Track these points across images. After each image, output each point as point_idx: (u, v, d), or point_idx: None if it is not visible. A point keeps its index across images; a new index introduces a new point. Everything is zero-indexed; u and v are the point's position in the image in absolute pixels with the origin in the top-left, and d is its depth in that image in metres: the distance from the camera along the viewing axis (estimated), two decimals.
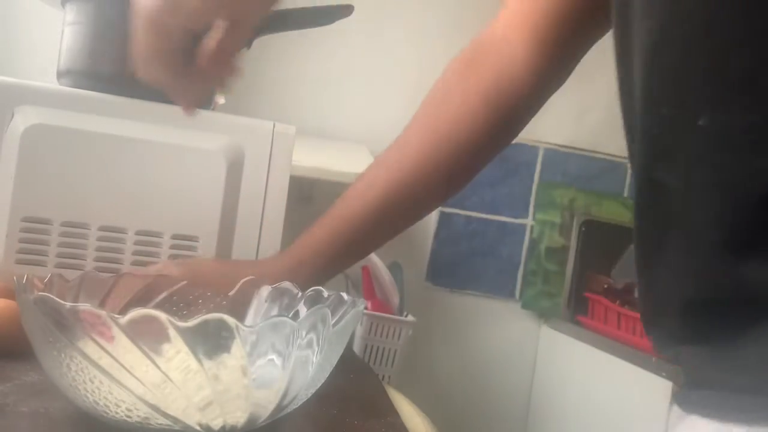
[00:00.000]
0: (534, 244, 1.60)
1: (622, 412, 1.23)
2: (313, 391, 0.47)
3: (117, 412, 0.41)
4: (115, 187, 0.71)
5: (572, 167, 1.62)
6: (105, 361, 0.39)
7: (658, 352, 0.50)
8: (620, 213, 1.59)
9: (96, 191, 0.70)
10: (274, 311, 0.56)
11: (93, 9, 0.74)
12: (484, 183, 1.57)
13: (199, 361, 0.39)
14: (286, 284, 0.57)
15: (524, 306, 1.59)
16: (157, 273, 0.61)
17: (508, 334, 1.60)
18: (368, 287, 1.25)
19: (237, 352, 0.40)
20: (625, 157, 1.73)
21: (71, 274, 0.53)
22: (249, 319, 0.57)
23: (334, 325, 0.44)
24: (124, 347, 0.39)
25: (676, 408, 0.47)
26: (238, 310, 0.57)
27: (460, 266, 1.58)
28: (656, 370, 1.12)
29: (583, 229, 1.57)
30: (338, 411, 0.53)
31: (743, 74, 0.40)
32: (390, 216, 0.68)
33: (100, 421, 0.42)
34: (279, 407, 0.43)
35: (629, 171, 1.64)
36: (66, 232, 0.69)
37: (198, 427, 0.41)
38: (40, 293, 0.41)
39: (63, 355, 0.40)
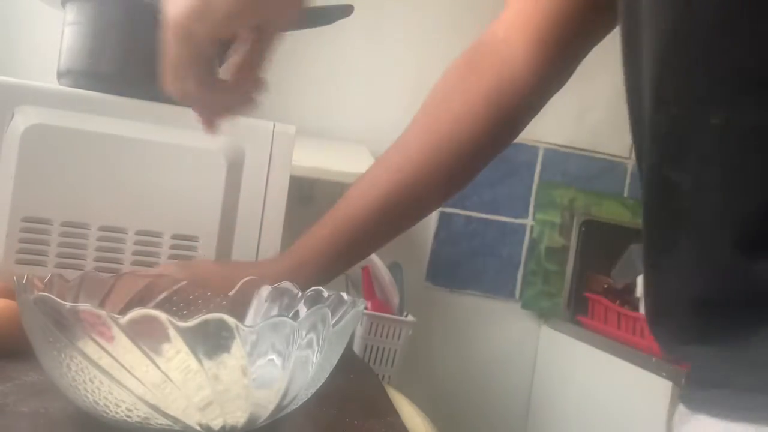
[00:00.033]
0: (534, 244, 1.59)
1: (622, 412, 1.23)
2: (313, 391, 0.47)
3: (117, 412, 0.41)
4: (115, 187, 0.71)
5: (572, 167, 1.62)
6: (105, 361, 0.39)
7: (662, 352, 0.50)
8: (620, 213, 1.59)
9: (96, 191, 0.70)
10: (274, 311, 0.56)
11: (93, 9, 0.74)
12: (484, 183, 1.57)
13: (199, 361, 0.39)
14: (286, 284, 0.57)
15: (524, 306, 1.59)
16: (157, 274, 0.61)
17: (508, 334, 1.60)
18: (368, 287, 1.25)
19: (237, 352, 0.40)
20: (625, 157, 1.73)
21: (71, 274, 0.53)
22: (249, 319, 0.57)
23: (334, 325, 0.44)
24: (124, 347, 0.39)
25: (681, 407, 0.47)
26: (238, 311, 0.57)
27: (460, 266, 1.58)
28: (656, 370, 1.11)
29: (583, 229, 1.57)
30: (338, 411, 0.53)
31: (755, 74, 0.40)
32: (391, 216, 0.68)
33: (100, 421, 0.42)
34: (279, 407, 0.43)
35: (629, 171, 1.64)
36: (66, 232, 0.69)
37: (198, 427, 0.41)
38: (40, 293, 0.41)
39: (63, 355, 0.40)
